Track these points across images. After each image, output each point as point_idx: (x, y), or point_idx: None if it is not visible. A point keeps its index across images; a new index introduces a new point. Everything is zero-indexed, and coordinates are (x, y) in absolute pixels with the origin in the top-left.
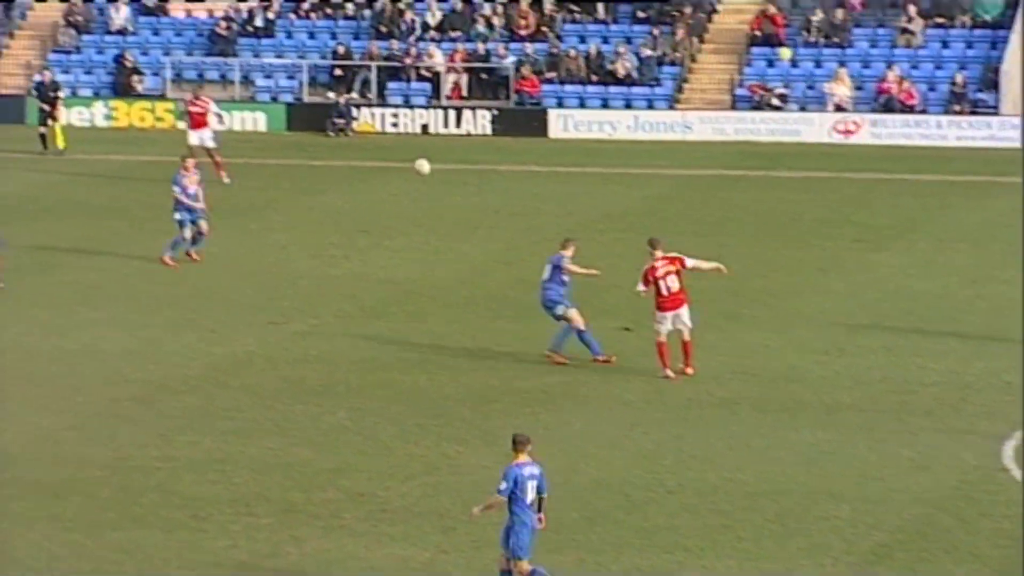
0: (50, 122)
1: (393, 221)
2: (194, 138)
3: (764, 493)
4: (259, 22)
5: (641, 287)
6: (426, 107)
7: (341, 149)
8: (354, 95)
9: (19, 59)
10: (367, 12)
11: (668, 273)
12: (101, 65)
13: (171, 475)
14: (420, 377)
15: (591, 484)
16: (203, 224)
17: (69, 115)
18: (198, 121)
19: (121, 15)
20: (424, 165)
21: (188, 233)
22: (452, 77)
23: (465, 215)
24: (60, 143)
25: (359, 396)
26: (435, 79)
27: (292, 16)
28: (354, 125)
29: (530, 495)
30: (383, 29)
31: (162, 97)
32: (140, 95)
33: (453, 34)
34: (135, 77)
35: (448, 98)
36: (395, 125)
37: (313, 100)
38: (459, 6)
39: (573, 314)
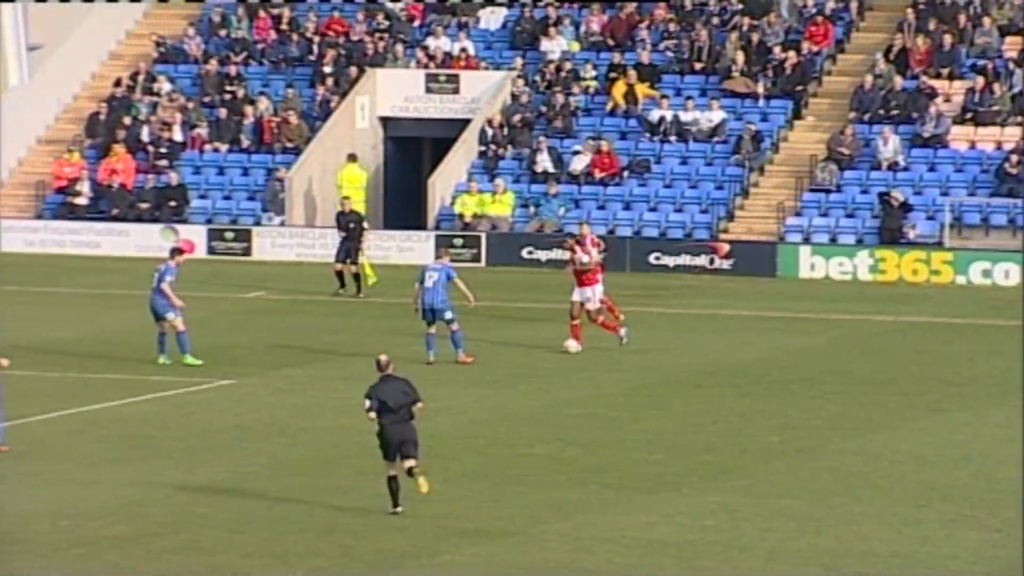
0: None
1: None
2: (576, 295)
3: None
4: None
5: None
6: None
7: None
8: None
9: (770, 199)
10: None
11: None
12: (865, 206)
13: None
14: None
15: None
16: None
17: (828, 266)
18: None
19: (889, 147)
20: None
21: None
22: None
23: None
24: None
25: None
26: None
27: None
28: None
29: None
30: None
31: (939, 245)
32: (912, 243)
33: None
34: (906, 221)
35: None
36: None
37: None
38: None
39: None
